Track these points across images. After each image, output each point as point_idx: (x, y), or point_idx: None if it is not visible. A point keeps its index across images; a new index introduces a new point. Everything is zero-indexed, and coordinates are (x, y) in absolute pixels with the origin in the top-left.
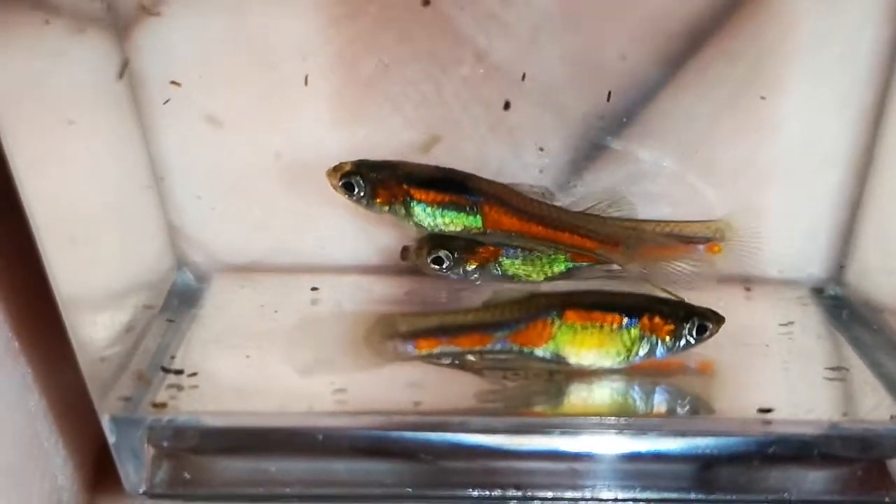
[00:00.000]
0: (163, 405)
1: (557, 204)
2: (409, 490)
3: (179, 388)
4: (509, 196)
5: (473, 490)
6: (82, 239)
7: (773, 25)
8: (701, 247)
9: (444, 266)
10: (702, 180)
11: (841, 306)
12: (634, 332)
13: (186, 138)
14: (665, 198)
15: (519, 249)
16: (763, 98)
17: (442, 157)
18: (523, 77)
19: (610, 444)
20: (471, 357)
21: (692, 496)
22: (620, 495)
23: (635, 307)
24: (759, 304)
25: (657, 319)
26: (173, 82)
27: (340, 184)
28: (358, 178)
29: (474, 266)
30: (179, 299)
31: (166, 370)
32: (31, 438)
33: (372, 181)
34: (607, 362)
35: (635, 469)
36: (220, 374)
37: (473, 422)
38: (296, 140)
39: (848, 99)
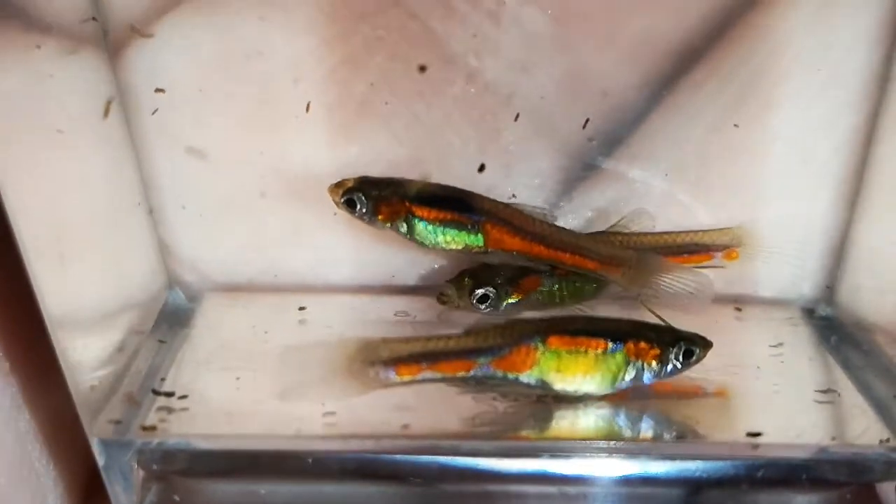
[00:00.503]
0: (152, 428)
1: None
2: None
3: (170, 410)
4: (511, 215)
5: None
6: (71, 258)
7: (763, 46)
8: (718, 254)
9: (488, 303)
10: (693, 200)
11: (832, 327)
12: (620, 357)
13: (178, 157)
14: (655, 218)
15: (554, 279)
16: (736, 126)
17: (435, 178)
18: (516, 118)
19: (599, 468)
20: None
21: None
22: None
23: (620, 332)
24: (749, 325)
25: (643, 344)
26: (158, 90)
27: (342, 200)
28: (360, 194)
29: (518, 298)
30: (171, 319)
31: (157, 392)
32: (21, 459)
33: (374, 198)
34: (593, 388)
35: (625, 492)
36: (210, 397)
37: (463, 445)
38: (287, 159)
39: (838, 119)
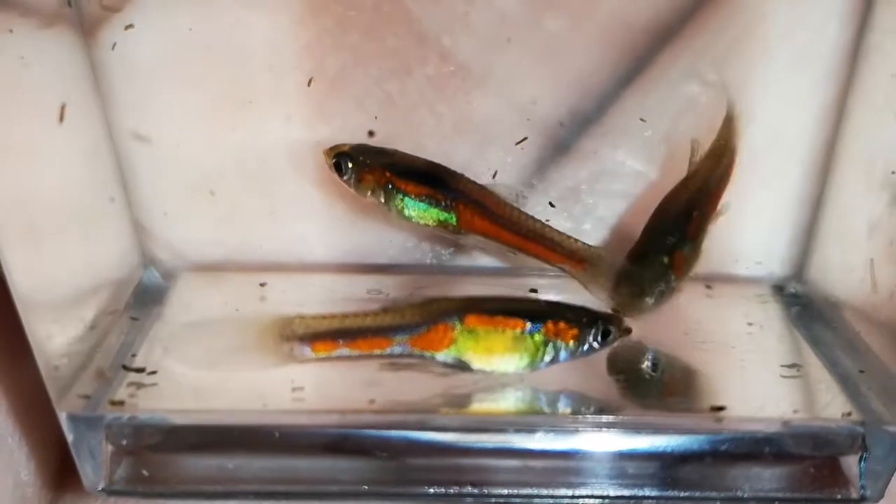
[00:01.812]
0: (121, 403)
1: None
2: (366, 487)
3: (139, 385)
4: (486, 199)
5: (430, 487)
6: (43, 238)
7: (735, 23)
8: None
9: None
10: (665, 178)
11: (801, 304)
12: (538, 337)
13: (152, 136)
14: (628, 196)
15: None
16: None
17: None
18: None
19: (564, 442)
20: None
21: (646, 493)
22: (574, 492)
23: (539, 312)
24: (719, 302)
25: (562, 324)
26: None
27: (332, 162)
28: (347, 159)
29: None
30: (145, 298)
31: (127, 368)
32: None
33: (360, 164)
34: (511, 367)
35: (590, 466)
36: (179, 372)
37: (430, 419)
38: (261, 138)
39: (809, 97)
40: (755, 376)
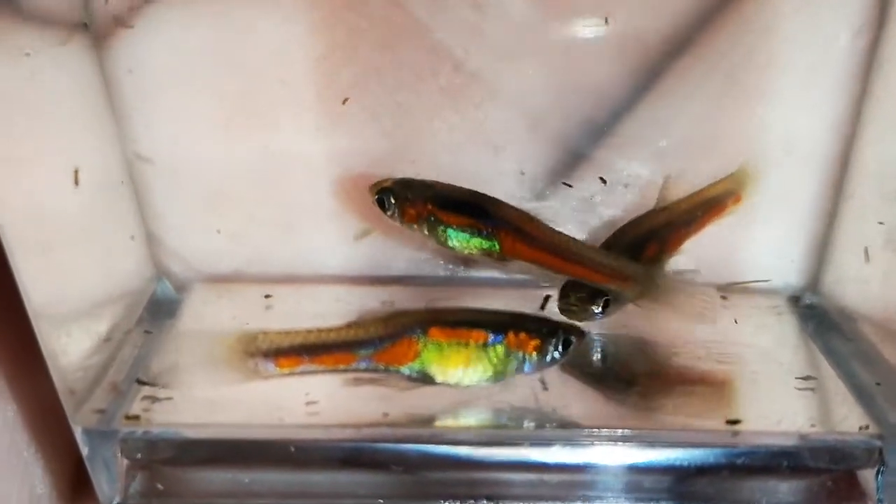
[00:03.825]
0: (136, 417)
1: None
2: (381, 501)
3: (154, 399)
4: (527, 225)
5: (445, 501)
6: (55, 249)
7: (749, 33)
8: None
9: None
10: (680, 189)
11: (817, 315)
12: (500, 348)
13: (165, 148)
14: (643, 207)
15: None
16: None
17: (421, 168)
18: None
19: (579, 455)
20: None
21: None
22: None
23: (501, 323)
24: (734, 313)
25: (523, 335)
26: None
27: (375, 199)
28: (389, 195)
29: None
30: (158, 310)
31: (141, 382)
32: (9, 448)
33: (401, 199)
34: (475, 379)
35: (605, 480)
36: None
37: (445, 433)
38: (275, 150)
39: (824, 107)
40: (771, 388)
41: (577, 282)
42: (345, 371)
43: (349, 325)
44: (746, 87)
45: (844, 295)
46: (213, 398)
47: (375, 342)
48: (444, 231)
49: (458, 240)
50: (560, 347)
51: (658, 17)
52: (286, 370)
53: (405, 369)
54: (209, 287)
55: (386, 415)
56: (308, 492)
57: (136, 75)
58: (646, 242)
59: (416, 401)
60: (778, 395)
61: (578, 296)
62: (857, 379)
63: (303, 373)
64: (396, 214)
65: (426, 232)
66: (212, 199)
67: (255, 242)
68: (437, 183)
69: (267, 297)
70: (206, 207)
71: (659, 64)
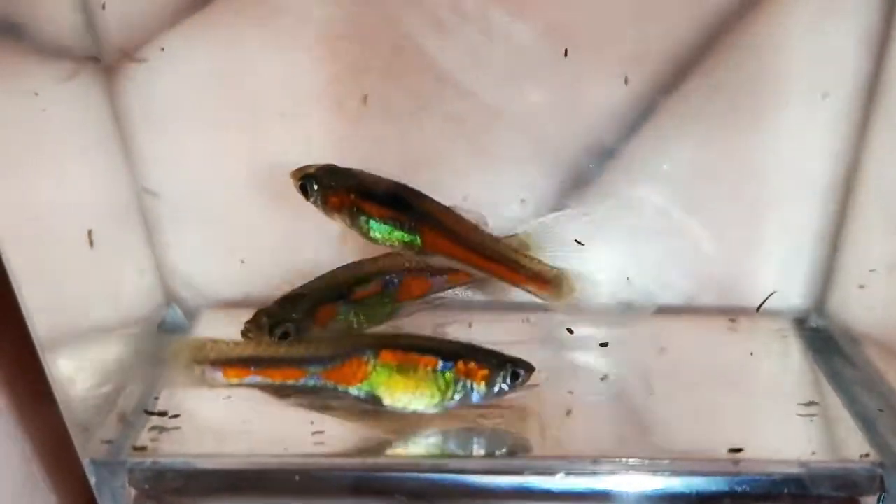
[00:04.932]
0: (143, 448)
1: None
2: None
3: (161, 429)
4: (450, 221)
5: None
6: (61, 278)
7: (753, 58)
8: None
9: (289, 339)
10: (685, 212)
11: (822, 338)
12: (450, 375)
13: (173, 174)
14: (647, 230)
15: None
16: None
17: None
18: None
19: (582, 483)
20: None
21: None
22: None
23: (451, 351)
24: (739, 337)
25: (472, 364)
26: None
27: (298, 185)
28: (312, 181)
29: (317, 329)
30: (168, 337)
31: (149, 413)
32: (25, 478)
33: (326, 187)
34: (421, 405)
35: None
36: (201, 416)
37: (450, 462)
38: (283, 176)
39: (829, 129)
40: (773, 415)
41: (288, 301)
42: (292, 387)
43: (300, 341)
44: (751, 109)
45: (849, 318)
46: (219, 428)
47: (325, 360)
48: (367, 222)
49: (380, 232)
50: (508, 380)
51: (663, 40)
52: (234, 380)
53: (353, 390)
54: (219, 312)
55: (390, 443)
56: None
57: (145, 107)
58: (356, 286)
59: (422, 430)
60: (780, 421)
61: (259, 322)
62: (860, 405)
63: (251, 385)
64: (319, 202)
65: (348, 222)
66: (221, 224)
67: (263, 267)
68: (363, 172)
69: None
70: (215, 234)
71: (664, 88)
